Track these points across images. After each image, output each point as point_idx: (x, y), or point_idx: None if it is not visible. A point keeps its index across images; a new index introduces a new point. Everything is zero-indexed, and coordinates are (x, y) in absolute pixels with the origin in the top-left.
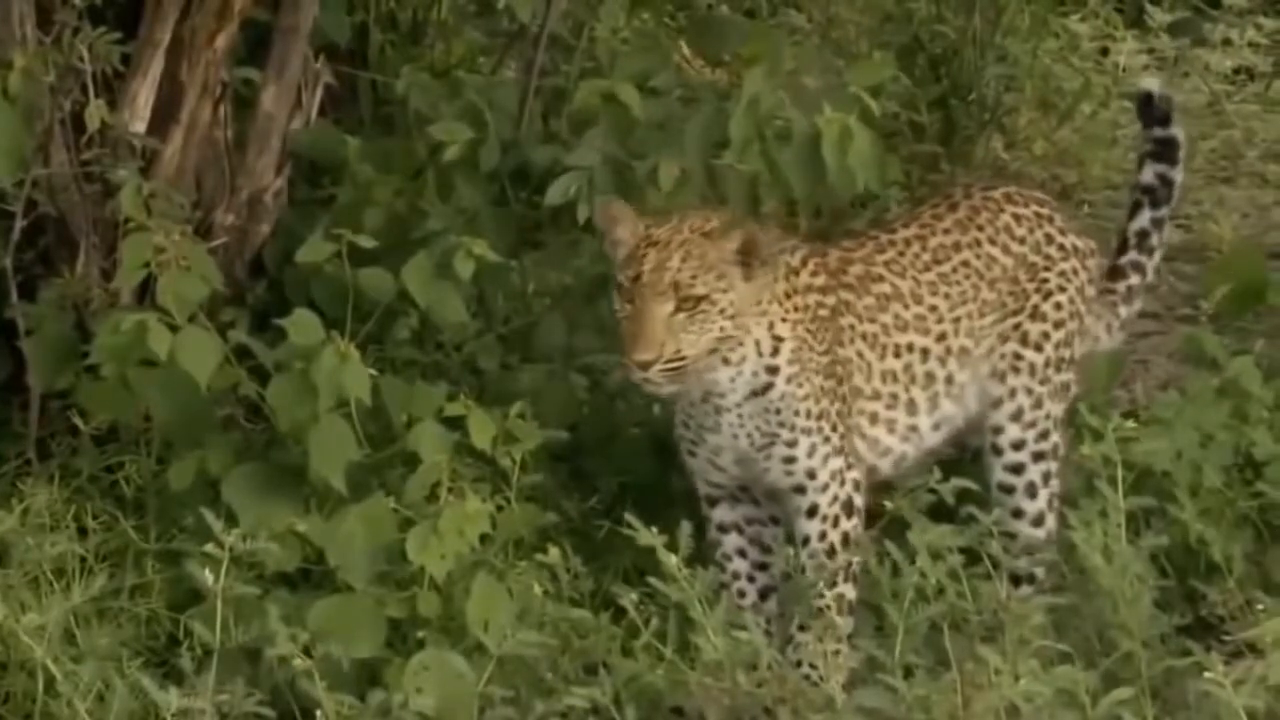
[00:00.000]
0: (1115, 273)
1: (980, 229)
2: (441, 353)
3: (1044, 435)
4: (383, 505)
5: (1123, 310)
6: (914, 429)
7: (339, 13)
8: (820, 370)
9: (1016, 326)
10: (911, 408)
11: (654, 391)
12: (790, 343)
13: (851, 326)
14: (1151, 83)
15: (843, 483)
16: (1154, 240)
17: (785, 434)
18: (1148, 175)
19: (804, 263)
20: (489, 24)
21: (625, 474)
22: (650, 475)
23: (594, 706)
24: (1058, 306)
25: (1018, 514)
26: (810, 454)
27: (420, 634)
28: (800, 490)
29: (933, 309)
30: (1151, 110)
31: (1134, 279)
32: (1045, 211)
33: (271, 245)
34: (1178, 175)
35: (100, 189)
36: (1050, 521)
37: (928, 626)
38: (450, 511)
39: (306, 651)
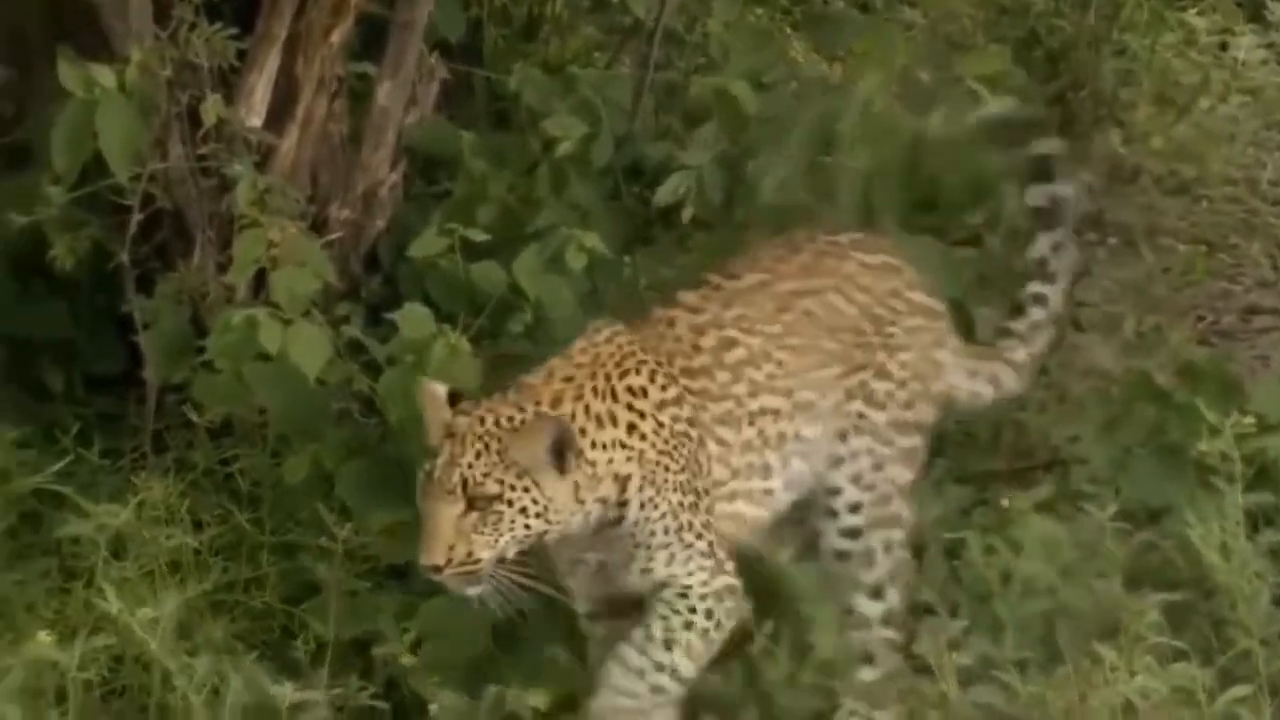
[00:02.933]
0: (1016, 309)
1: (825, 275)
2: (554, 346)
3: (885, 500)
4: None
5: (1020, 353)
6: (769, 493)
7: (454, 8)
8: (677, 487)
9: (862, 384)
10: (766, 471)
11: (457, 593)
12: (639, 473)
13: (712, 416)
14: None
15: (707, 581)
16: (1053, 266)
17: (643, 552)
18: (1037, 196)
19: (651, 378)
20: (603, 19)
21: None
22: None
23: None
24: (903, 365)
25: (855, 586)
26: (669, 563)
27: (527, 630)
28: (664, 585)
29: (781, 364)
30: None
31: (1035, 314)
32: (893, 262)
33: (386, 240)
34: (1067, 190)
35: (216, 184)
36: (893, 597)
37: (1040, 622)
38: None
39: (419, 646)
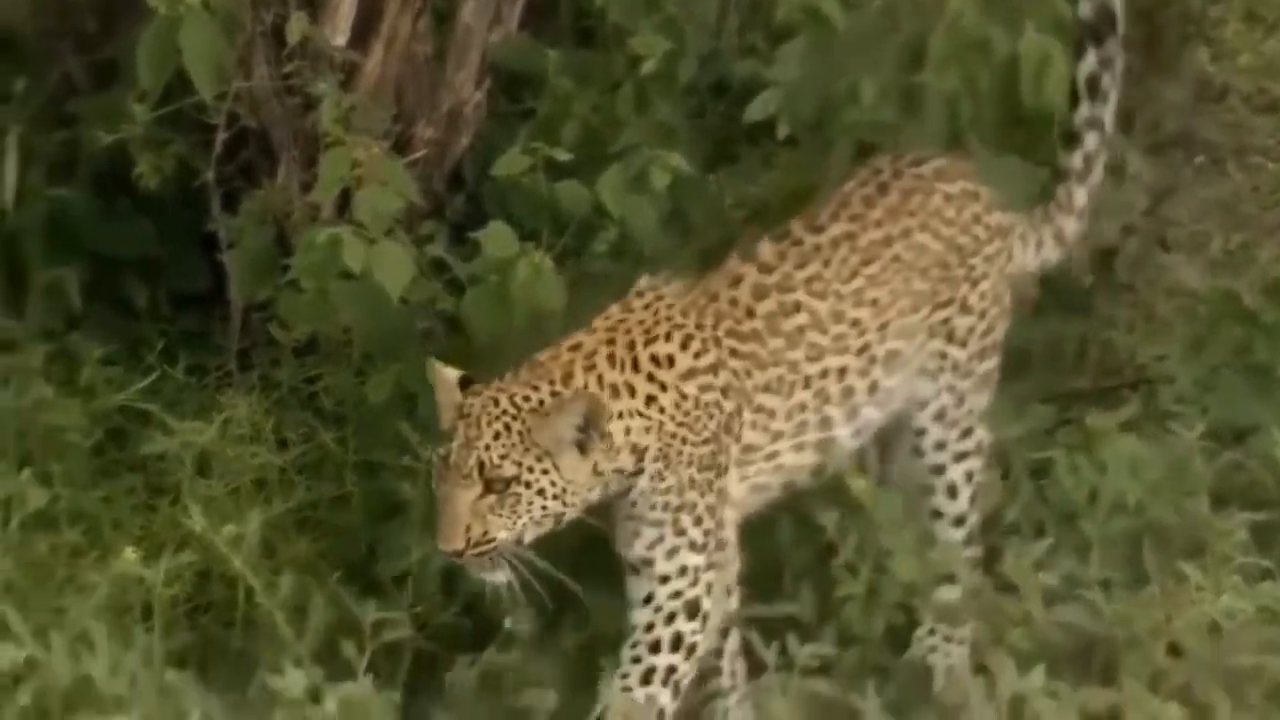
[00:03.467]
0: (1070, 139)
1: (912, 215)
2: (640, 267)
3: (966, 433)
4: None
5: (1080, 195)
6: (830, 440)
7: None
8: (693, 462)
9: (945, 321)
10: (826, 424)
11: (479, 578)
12: (656, 445)
13: (755, 384)
14: None
15: (693, 582)
16: (1104, 84)
17: (631, 524)
18: (1084, 8)
19: (684, 344)
20: None
21: None
22: None
23: (791, 620)
24: (982, 296)
25: (936, 515)
26: (651, 546)
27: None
28: (635, 571)
29: (855, 323)
30: None
31: (1090, 142)
32: (971, 188)
33: (470, 158)
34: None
35: (300, 102)
36: (973, 519)
37: (1126, 542)
38: None
39: None
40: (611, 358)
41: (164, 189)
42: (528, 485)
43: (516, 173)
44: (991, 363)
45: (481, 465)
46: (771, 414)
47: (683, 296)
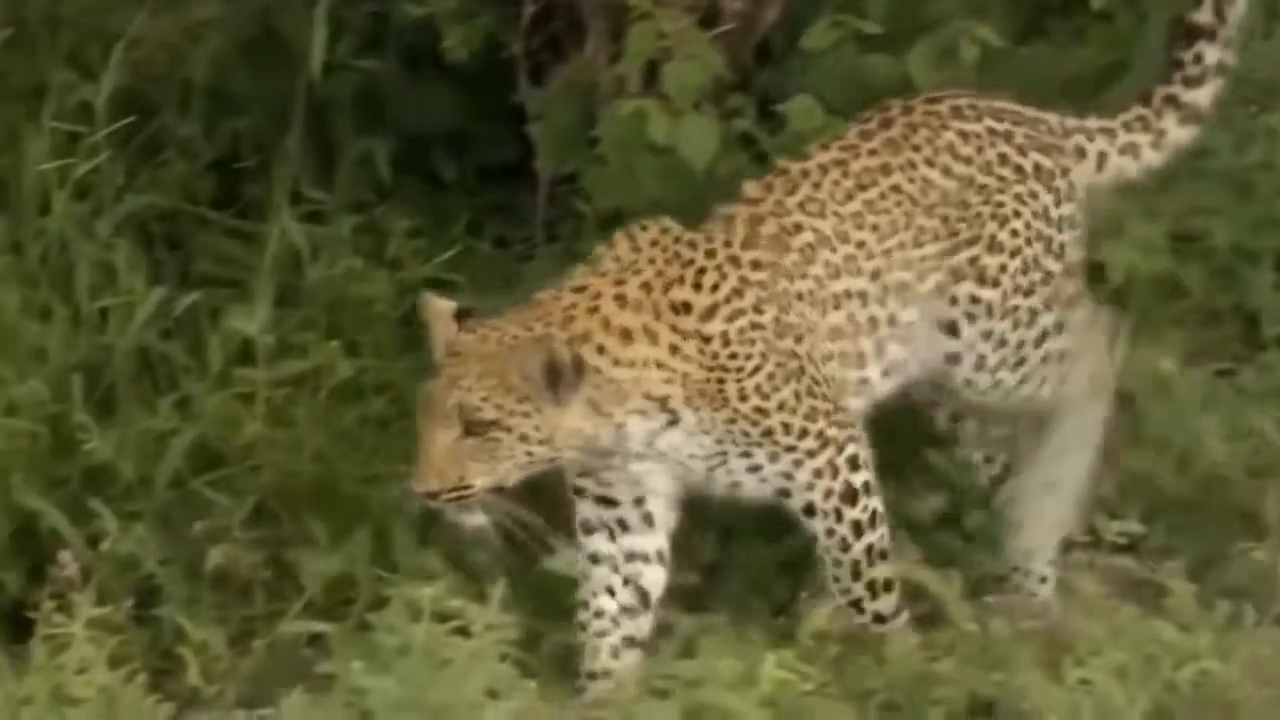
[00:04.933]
0: (1190, 33)
1: (916, 149)
2: None
3: (1020, 363)
4: None
5: (1209, 54)
6: (865, 382)
7: None
8: (745, 395)
9: (973, 261)
10: (860, 360)
11: (455, 522)
12: (681, 393)
13: (784, 290)
14: None
15: (834, 473)
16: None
17: (735, 449)
18: None
19: (697, 283)
20: None
21: None
22: None
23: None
24: (1014, 234)
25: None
26: (773, 460)
27: None
28: (785, 495)
29: (861, 245)
30: None
31: (1206, 44)
32: (1001, 127)
33: (778, 31)
34: None
35: None
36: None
37: None
38: None
39: None
40: (621, 299)
41: (472, 62)
42: (509, 430)
43: (825, 45)
44: (1037, 299)
45: (461, 407)
46: (814, 329)
47: (683, 231)
